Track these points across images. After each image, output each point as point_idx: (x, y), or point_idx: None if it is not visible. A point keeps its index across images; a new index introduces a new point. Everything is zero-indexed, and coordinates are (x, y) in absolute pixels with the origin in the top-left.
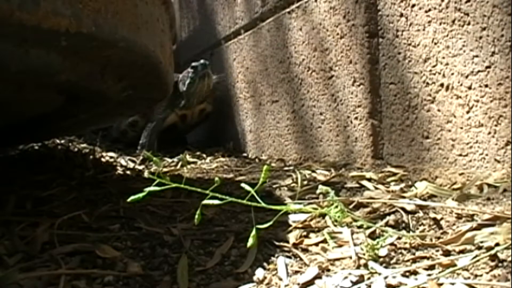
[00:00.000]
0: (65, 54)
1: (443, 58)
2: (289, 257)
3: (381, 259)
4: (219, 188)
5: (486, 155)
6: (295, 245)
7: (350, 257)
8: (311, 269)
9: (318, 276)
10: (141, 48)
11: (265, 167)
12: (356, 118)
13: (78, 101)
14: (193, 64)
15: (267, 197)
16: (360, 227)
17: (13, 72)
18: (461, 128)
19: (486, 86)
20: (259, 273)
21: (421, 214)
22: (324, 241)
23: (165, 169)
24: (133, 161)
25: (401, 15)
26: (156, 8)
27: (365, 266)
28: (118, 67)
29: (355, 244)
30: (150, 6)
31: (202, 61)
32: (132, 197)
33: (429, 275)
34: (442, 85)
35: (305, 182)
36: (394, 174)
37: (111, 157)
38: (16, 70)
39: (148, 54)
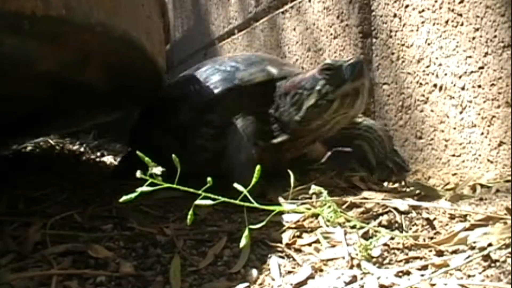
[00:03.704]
0: (41, 41)
1: (437, 58)
2: (282, 257)
3: (374, 259)
4: (212, 188)
5: (479, 155)
6: (288, 245)
7: (343, 257)
8: (304, 269)
9: (311, 276)
10: (121, 34)
11: (257, 167)
12: None
13: (67, 95)
14: (328, 61)
15: (260, 197)
16: (353, 227)
17: None
18: (454, 128)
19: (479, 86)
20: (252, 273)
21: (414, 214)
22: (317, 241)
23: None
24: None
25: (395, 15)
26: None
27: (358, 266)
28: (100, 55)
29: (348, 244)
30: None
31: (353, 59)
32: (124, 197)
33: (422, 275)
34: (435, 85)
35: (298, 182)
36: None
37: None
38: None
39: (130, 40)
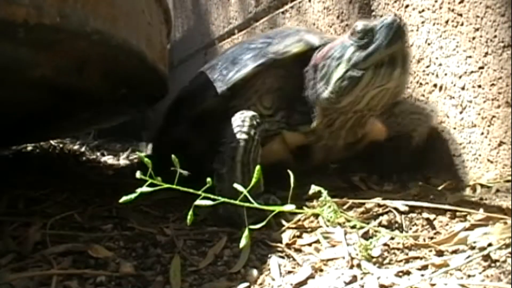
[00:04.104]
0: (36, 48)
1: (437, 58)
2: (282, 257)
3: (374, 259)
4: (211, 188)
5: (479, 155)
6: (288, 245)
7: (343, 257)
8: (304, 269)
9: (311, 276)
10: (120, 41)
11: (257, 167)
12: None
13: (68, 100)
14: (360, 23)
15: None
16: (353, 227)
17: None
18: (454, 128)
19: (479, 86)
20: (252, 273)
21: (414, 214)
22: (317, 241)
23: None
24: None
25: (395, 15)
26: None
27: (358, 266)
28: (99, 63)
29: (348, 244)
30: None
31: (388, 19)
32: (123, 198)
33: (422, 275)
34: (435, 85)
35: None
36: None
37: (101, 155)
38: None
39: (129, 48)
